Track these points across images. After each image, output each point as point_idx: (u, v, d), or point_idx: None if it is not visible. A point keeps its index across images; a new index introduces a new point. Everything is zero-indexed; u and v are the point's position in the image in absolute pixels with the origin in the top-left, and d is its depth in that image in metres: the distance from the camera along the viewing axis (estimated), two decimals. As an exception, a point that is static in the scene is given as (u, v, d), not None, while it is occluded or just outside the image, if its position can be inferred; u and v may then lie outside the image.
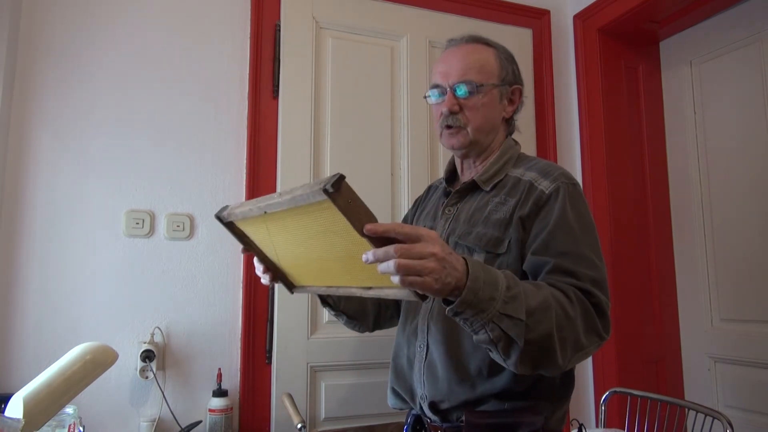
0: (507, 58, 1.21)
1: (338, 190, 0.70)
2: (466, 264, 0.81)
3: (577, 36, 2.33)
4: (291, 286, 1.11)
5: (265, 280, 1.08)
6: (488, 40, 1.20)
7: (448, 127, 1.16)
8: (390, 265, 0.73)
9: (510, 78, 1.20)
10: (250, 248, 1.06)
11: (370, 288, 0.86)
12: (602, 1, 2.21)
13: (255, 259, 1.09)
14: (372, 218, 0.73)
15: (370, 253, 0.74)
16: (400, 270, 0.73)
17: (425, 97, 1.22)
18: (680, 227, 2.29)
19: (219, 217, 1.01)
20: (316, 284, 1.03)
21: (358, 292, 0.90)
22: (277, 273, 1.09)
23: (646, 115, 2.33)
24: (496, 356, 0.89)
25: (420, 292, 0.77)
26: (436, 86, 1.18)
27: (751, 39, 2.04)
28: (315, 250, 0.89)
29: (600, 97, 2.23)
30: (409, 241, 0.75)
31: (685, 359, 2.23)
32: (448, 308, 0.82)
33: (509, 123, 1.23)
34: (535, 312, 0.85)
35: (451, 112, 1.14)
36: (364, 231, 0.72)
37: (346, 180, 0.70)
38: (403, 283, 0.74)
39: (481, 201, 1.13)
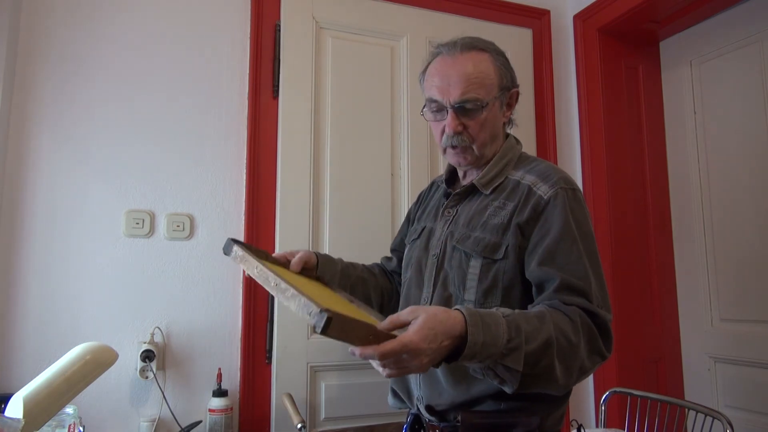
0: (503, 62, 1.14)
1: (326, 331, 0.72)
2: (465, 323, 0.83)
3: (577, 36, 2.33)
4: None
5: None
6: (482, 44, 1.13)
7: (453, 146, 1.12)
8: (380, 371, 0.81)
9: (508, 83, 1.15)
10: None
11: None
12: (602, 1, 2.20)
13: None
14: (368, 330, 0.77)
15: (355, 351, 0.78)
16: (390, 376, 0.82)
17: (422, 114, 1.16)
18: (680, 227, 2.28)
19: (227, 254, 1.06)
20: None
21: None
22: None
23: (646, 115, 2.33)
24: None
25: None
26: (434, 102, 1.12)
27: (751, 39, 2.04)
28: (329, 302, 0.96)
29: (600, 97, 2.23)
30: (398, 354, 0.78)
31: (685, 359, 2.23)
32: (445, 362, 0.86)
33: (507, 124, 1.22)
34: (535, 353, 0.87)
35: (456, 133, 1.10)
36: (357, 355, 0.77)
37: (334, 318, 0.72)
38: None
39: (480, 204, 1.13)
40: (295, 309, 0.80)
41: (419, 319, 0.80)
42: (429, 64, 1.17)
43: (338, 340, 0.75)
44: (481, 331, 0.83)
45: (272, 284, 0.89)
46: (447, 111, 1.10)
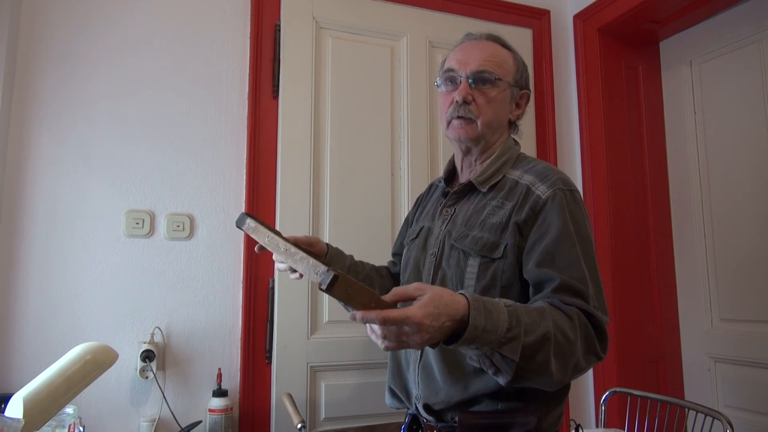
0: (521, 63, 1.21)
1: (331, 290, 0.74)
2: (468, 307, 0.84)
3: (577, 36, 2.33)
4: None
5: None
6: (507, 43, 1.22)
7: (459, 117, 1.14)
8: (378, 342, 0.82)
9: (522, 82, 1.20)
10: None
11: None
12: (602, 1, 2.20)
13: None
14: (371, 297, 0.78)
15: (356, 315, 0.78)
16: (388, 348, 0.82)
17: (437, 85, 1.21)
18: (680, 227, 2.29)
19: (239, 226, 1.08)
20: None
21: None
22: None
23: (646, 115, 2.33)
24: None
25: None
26: (450, 71, 1.16)
27: (751, 39, 2.04)
28: None
29: (600, 97, 2.23)
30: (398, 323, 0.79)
31: (685, 359, 2.23)
32: (443, 344, 0.86)
33: (512, 126, 1.23)
34: (533, 346, 0.88)
35: (465, 102, 1.13)
36: (358, 319, 0.78)
37: (340, 277, 0.74)
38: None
39: (478, 203, 1.13)
40: (302, 270, 0.85)
41: (425, 297, 0.81)
42: (453, 49, 1.22)
43: (341, 301, 0.76)
44: (483, 316, 0.84)
45: (282, 249, 0.93)
46: (460, 81, 1.14)
